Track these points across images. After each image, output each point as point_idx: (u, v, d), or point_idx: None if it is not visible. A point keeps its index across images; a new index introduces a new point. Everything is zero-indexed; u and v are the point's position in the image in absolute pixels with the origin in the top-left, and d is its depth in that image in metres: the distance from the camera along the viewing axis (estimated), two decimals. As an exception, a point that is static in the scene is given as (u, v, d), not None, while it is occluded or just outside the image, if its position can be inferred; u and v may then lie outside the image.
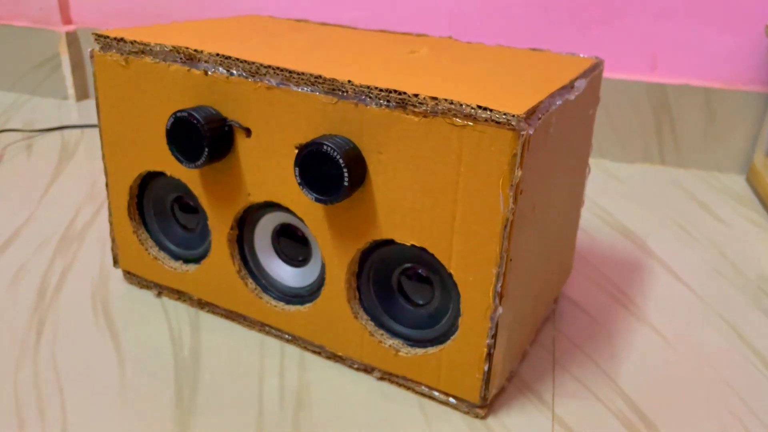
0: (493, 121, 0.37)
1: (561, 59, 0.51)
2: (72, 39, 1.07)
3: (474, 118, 0.38)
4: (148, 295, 0.57)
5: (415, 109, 0.39)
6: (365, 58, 0.48)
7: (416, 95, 0.39)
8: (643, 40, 0.91)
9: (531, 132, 0.37)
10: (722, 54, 0.90)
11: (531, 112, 0.38)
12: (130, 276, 0.58)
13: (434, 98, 0.39)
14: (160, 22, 0.96)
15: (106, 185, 0.55)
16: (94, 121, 1.01)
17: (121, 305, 0.56)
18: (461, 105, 0.38)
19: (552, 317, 0.58)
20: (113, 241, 0.57)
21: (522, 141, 0.37)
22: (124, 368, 0.49)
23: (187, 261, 0.55)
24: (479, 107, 0.38)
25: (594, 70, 0.50)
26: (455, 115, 0.38)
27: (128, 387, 0.47)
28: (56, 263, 0.62)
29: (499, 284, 0.41)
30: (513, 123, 0.37)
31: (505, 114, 0.37)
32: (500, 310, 0.42)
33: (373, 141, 0.42)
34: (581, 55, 0.53)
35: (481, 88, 0.41)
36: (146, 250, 0.56)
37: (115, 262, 0.59)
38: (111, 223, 0.57)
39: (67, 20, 1.08)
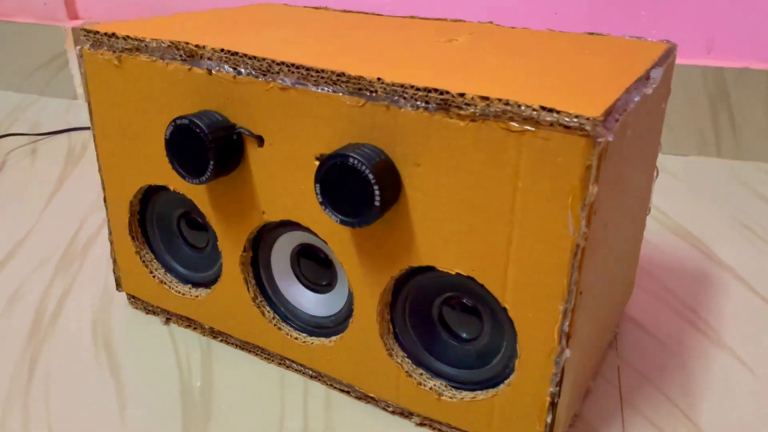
0: (560, 125, 0.30)
1: (627, 45, 0.43)
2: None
3: (536, 122, 0.30)
4: (155, 323, 0.51)
5: (461, 112, 0.32)
6: (396, 50, 0.41)
7: (462, 95, 0.32)
8: (697, 18, 0.82)
9: (610, 138, 0.30)
10: (788, 32, 0.81)
11: (608, 113, 0.30)
12: (135, 300, 0.52)
13: (485, 98, 0.31)
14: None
15: (105, 200, 0.49)
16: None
17: (125, 334, 0.50)
18: (519, 106, 0.31)
19: (614, 343, 0.50)
20: (114, 262, 0.51)
21: (598, 150, 0.30)
22: (125, 411, 0.43)
23: (196, 285, 0.49)
24: (543, 108, 0.30)
25: (668, 57, 0.42)
26: (512, 119, 0.31)
27: (129, 437, 0.41)
28: (55, 285, 0.56)
29: (567, 323, 0.34)
30: (587, 128, 0.29)
31: (577, 117, 0.29)
32: (567, 353, 0.34)
33: (408, 151, 0.34)
34: (647, 40, 0.45)
35: (540, 84, 0.34)
36: (151, 272, 0.49)
37: (118, 285, 0.52)
38: (111, 242, 0.50)
39: (73, 15, 1.02)
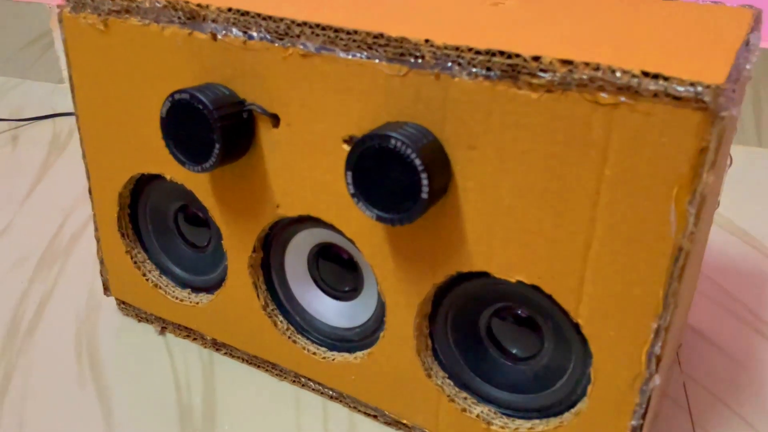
0: (668, 95, 0.23)
1: (708, 10, 0.37)
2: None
3: (635, 92, 0.24)
4: (148, 332, 0.45)
5: (534, 81, 0.26)
6: (437, 7, 0.34)
7: (536, 58, 0.25)
8: (738, -4, 0.76)
9: (734, 113, 0.23)
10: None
11: (729, 82, 0.24)
12: (126, 307, 0.45)
13: (567, 62, 0.25)
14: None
15: (90, 192, 0.42)
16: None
17: (113, 346, 0.43)
18: (613, 71, 0.24)
19: (677, 355, 0.44)
20: (102, 263, 0.44)
21: (718, 128, 0.23)
22: (114, 442, 0.36)
23: (197, 290, 0.42)
24: (645, 74, 0.24)
25: (759, 24, 0.35)
26: (602, 88, 0.24)
27: (118, 474, 0.34)
28: (34, 288, 0.49)
29: (659, 344, 0.27)
30: (706, 99, 0.23)
31: (692, 84, 0.23)
32: (656, 380, 0.28)
33: (462, 131, 0.28)
34: (726, 5, 0.39)
35: (628, 47, 0.27)
36: (144, 275, 0.43)
37: (106, 289, 0.46)
38: (98, 240, 0.44)
39: (59, -8, 0.95)
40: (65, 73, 0.96)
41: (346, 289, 0.38)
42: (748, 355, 0.44)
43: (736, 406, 0.40)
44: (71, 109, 0.86)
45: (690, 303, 0.39)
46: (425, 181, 0.27)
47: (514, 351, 0.34)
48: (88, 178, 0.42)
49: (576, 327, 0.30)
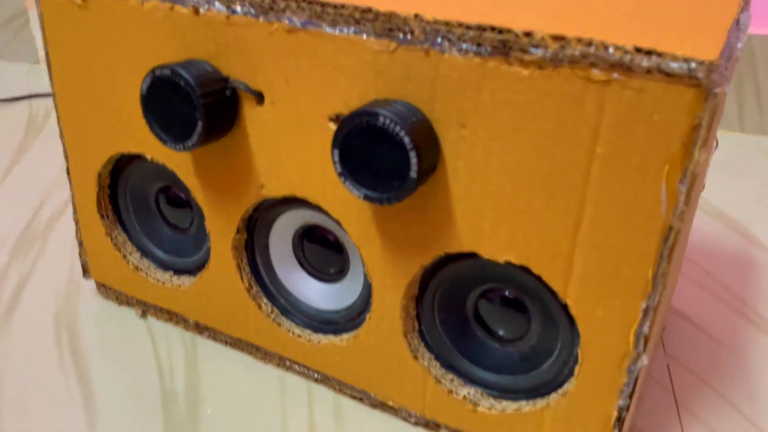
0: (661, 72, 0.23)
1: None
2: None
3: (627, 69, 0.24)
4: (130, 316, 0.44)
5: (526, 57, 0.25)
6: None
7: (528, 33, 0.25)
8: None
9: (727, 89, 0.23)
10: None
11: (722, 58, 0.23)
12: (106, 290, 0.45)
13: (559, 37, 0.24)
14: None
15: (68, 172, 0.41)
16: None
17: (94, 331, 0.42)
18: (606, 48, 0.24)
19: (661, 338, 0.44)
20: (81, 245, 0.43)
21: (711, 105, 0.23)
22: (95, 424, 0.36)
23: (179, 272, 0.41)
24: (638, 50, 0.23)
25: (747, 4, 0.35)
26: (594, 65, 0.24)
27: (100, 459, 0.34)
28: (11, 272, 0.48)
29: (647, 324, 0.27)
30: (699, 75, 0.22)
31: (686, 60, 0.23)
32: (644, 359, 0.28)
33: (452, 109, 0.27)
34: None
35: (622, 23, 0.27)
36: (124, 257, 0.42)
37: (85, 272, 0.45)
38: (77, 222, 0.43)
39: (34, -30, 0.93)
40: (41, 53, 0.94)
41: (332, 271, 0.37)
42: (731, 337, 0.44)
43: (720, 388, 0.40)
44: (48, 90, 0.84)
45: (675, 286, 0.40)
46: (414, 160, 0.27)
47: (501, 332, 0.33)
48: (66, 158, 0.41)
49: (564, 307, 0.29)
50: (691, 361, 0.42)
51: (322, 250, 0.37)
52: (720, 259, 0.53)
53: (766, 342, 0.44)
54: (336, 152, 0.28)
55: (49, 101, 0.81)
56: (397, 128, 0.26)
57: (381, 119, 0.26)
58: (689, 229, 0.35)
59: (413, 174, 0.27)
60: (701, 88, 0.23)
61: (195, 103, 0.31)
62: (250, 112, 0.32)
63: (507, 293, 0.33)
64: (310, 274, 0.38)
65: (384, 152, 0.27)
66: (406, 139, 0.26)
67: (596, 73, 0.24)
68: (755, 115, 0.80)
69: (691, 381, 0.40)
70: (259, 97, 0.32)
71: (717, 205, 0.62)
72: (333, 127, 0.30)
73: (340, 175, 0.28)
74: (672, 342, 0.44)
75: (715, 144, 0.41)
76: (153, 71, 0.31)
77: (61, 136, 0.40)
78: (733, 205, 0.62)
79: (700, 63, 0.22)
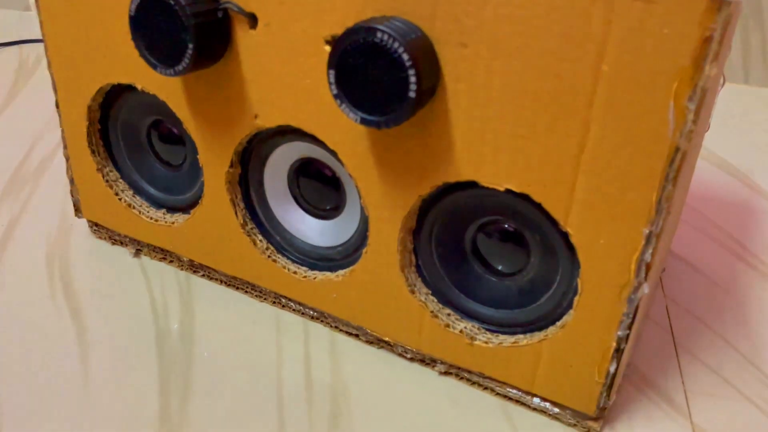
0: (673, -19, 0.22)
1: None
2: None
3: (638, -21, 0.22)
4: (123, 255, 0.43)
5: (531, -32, 0.24)
6: None
7: (534, -57, 0.24)
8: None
9: (742, -1, 0.22)
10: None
11: (738, -34, 0.22)
12: (98, 229, 0.44)
13: (566, -54, 0.23)
14: None
15: (57, 106, 0.40)
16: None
17: (86, 270, 0.42)
18: (616, -44, 0.23)
19: (660, 279, 0.44)
20: (72, 182, 0.43)
21: (724, 15, 0.22)
22: (88, 360, 0.35)
23: (172, 209, 0.41)
24: (649, -42, 0.22)
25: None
26: (602, -25, 0.23)
27: (94, 390, 0.33)
28: (2, 213, 0.47)
29: (649, 251, 0.26)
30: (713, -17, 0.21)
31: (700, -33, 0.21)
32: (645, 288, 0.27)
33: (453, 27, 0.26)
34: None
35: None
36: (116, 194, 0.41)
37: (77, 211, 0.44)
38: (67, 159, 0.42)
39: None
40: (32, 0, 0.92)
41: (328, 207, 0.37)
42: (729, 280, 0.44)
43: (719, 328, 0.40)
44: (38, 37, 0.82)
45: (678, 220, 0.39)
46: (413, 78, 0.26)
47: (499, 266, 0.33)
48: (55, 91, 0.40)
49: (564, 237, 0.29)
50: (690, 303, 0.42)
51: (318, 186, 0.36)
52: (721, 206, 0.53)
53: (766, 286, 0.44)
54: (332, 73, 0.27)
55: (40, 47, 0.79)
56: (396, 44, 0.25)
57: (379, 35, 0.25)
58: (695, 160, 0.35)
59: (412, 94, 0.26)
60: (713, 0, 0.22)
61: (185, 24, 0.29)
62: (242, 36, 0.31)
63: (506, 226, 0.32)
64: (306, 210, 0.37)
65: (382, 71, 0.26)
66: (405, 56, 0.25)
67: (605, -16, 0.23)
68: (760, 67, 0.78)
69: (690, 322, 0.40)
70: (252, 19, 0.31)
71: (718, 153, 0.61)
72: (329, 49, 0.29)
73: (336, 97, 0.27)
74: (671, 285, 0.43)
75: (722, 81, 0.40)
76: (141, -9, 0.30)
77: (50, 66, 0.39)
78: (734, 154, 0.62)
79: (715, -31, 0.21)
